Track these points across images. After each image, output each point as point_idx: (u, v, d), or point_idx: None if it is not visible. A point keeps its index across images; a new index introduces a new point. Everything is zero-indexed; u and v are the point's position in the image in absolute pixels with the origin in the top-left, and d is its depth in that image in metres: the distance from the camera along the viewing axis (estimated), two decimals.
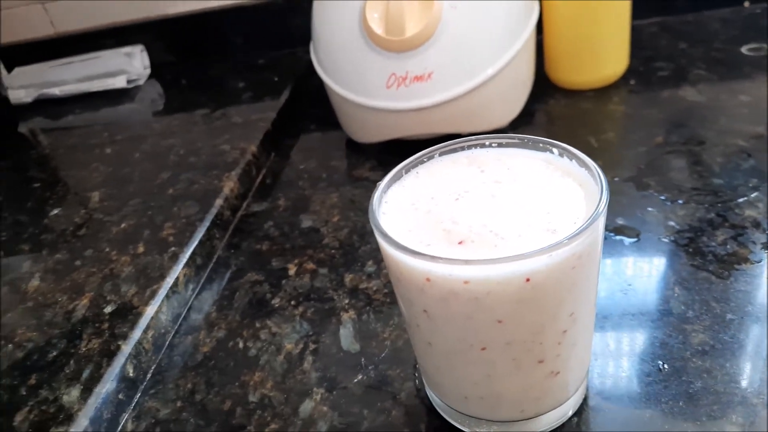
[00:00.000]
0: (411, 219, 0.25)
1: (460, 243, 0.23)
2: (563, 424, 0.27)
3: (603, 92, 0.54)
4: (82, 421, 0.30)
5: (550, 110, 0.53)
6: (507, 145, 0.28)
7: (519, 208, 0.24)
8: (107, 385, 0.31)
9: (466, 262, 0.21)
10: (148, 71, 0.77)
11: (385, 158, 0.51)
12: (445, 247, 0.23)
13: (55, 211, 0.51)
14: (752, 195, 0.38)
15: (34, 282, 0.41)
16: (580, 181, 0.25)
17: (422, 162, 0.28)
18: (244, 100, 0.64)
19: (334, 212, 0.45)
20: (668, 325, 0.30)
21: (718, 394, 0.26)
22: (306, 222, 0.45)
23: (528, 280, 0.21)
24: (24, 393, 0.32)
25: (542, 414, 0.26)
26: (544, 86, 0.56)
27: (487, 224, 0.23)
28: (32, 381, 0.33)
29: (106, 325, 0.35)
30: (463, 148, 0.28)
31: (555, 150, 0.26)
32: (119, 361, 0.33)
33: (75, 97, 0.76)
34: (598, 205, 0.22)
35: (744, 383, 0.27)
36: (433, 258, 0.21)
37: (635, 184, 0.41)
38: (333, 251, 0.41)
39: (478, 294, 0.22)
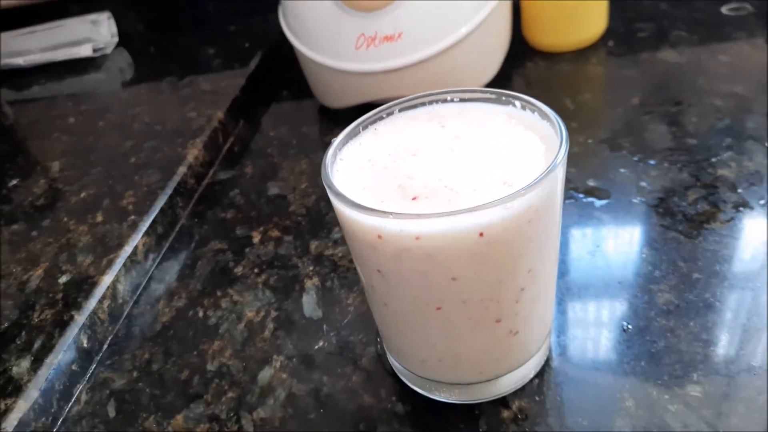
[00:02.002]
0: (366, 176, 0.24)
1: (413, 199, 0.22)
2: (524, 386, 0.26)
3: (581, 54, 0.52)
4: (33, 392, 0.29)
5: (527, 73, 0.52)
6: (469, 100, 0.26)
7: (477, 162, 0.23)
8: (59, 355, 0.30)
9: (418, 216, 0.20)
10: (116, 39, 0.74)
11: None
12: (399, 203, 0.22)
13: (14, 182, 0.49)
14: (725, 154, 0.37)
15: None
16: (542, 135, 0.24)
17: (381, 118, 0.27)
18: (214, 68, 0.62)
19: (303, 179, 0.44)
20: (634, 286, 0.30)
21: (681, 353, 0.26)
22: (273, 189, 0.44)
23: (482, 234, 0.20)
24: None
25: (502, 375, 0.25)
26: (521, 49, 0.54)
27: (443, 179, 0.22)
28: None
29: (60, 296, 0.34)
30: (424, 104, 0.27)
31: (517, 103, 0.25)
32: (72, 331, 0.31)
33: (40, 66, 0.73)
34: (556, 156, 0.21)
35: (707, 341, 0.26)
36: (383, 213, 0.20)
37: (609, 145, 0.40)
38: (299, 218, 0.40)
39: (431, 250, 0.21)
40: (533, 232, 0.21)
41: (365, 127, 0.26)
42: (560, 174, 0.21)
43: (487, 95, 0.26)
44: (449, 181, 0.22)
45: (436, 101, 0.27)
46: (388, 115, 0.27)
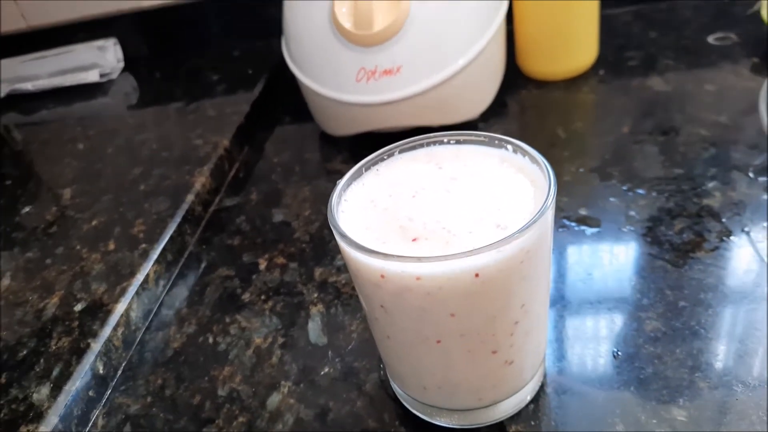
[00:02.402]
0: (369, 216, 0.25)
1: (414, 240, 0.24)
2: (520, 411, 0.27)
3: (573, 82, 0.54)
4: (52, 418, 0.30)
5: (521, 101, 0.54)
6: (465, 142, 0.28)
7: (471, 204, 0.25)
8: (77, 382, 0.32)
9: (418, 259, 0.22)
10: (122, 65, 0.77)
11: (358, 151, 0.51)
12: (400, 243, 0.24)
13: (27, 209, 0.50)
14: (710, 184, 0.39)
15: (5, 281, 0.41)
16: (532, 178, 0.25)
17: (383, 159, 0.28)
18: (218, 93, 0.64)
19: (306, 206, 0.46)
20: (624, 313, 0.31)
21: (668, 379, 0.28)
22: (278, 216, 0.45)
23: (477, 275, 0.22)
24: None
25: (499, 402, 0.27)
26: (515, 77, 0.56)
27: (441, 221, 0.24)
28: (2, 380, 0.33)
29: (76, 323, 0.36)
30: (422, 145, 0.29)
31: (509, 147, 0.27)
32: (89, 358, 0.33)
33: (48, 91, 0.75)
34: (545, 201, 0.23)
35: (693, 369, 0.28)
36: (386, 256, 0.22)
37: (599, 174, 0.42)
38: (303, 245, 0.42)
39: (430, 289, 0.22)
40: (525, 271, 0.23)
41: (368, 168, 0.28)
42: (549, 217, 0.23)
43: (482, 138, 0.28)
44: (447, 223, 0.24)
45: (434, 143, 0.29)
46: (389, 156, 0.28)
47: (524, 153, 0.26)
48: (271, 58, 0.69)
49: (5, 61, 0.78)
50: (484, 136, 0.27)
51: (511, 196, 0.25)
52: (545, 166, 0.24)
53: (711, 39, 0.56)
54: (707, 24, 0.60)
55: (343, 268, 0.38)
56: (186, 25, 0.77)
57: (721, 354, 0.29)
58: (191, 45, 0.78)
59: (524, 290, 0.24)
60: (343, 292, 0.37)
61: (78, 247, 0.43)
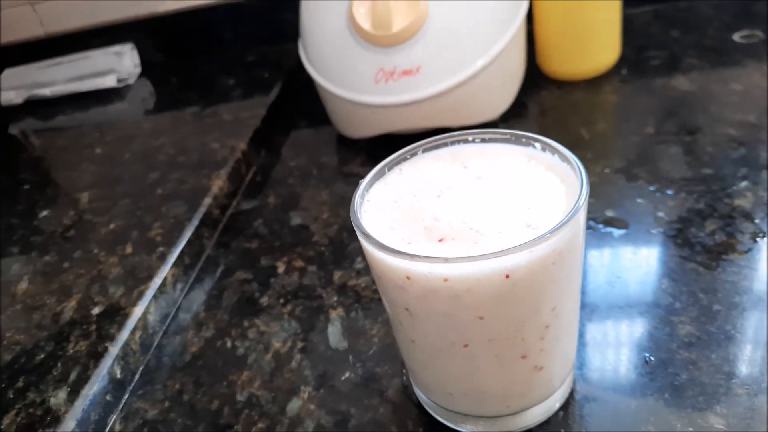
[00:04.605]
0: (393, 217, 0.25)
1: (440, 240, 0.23)
2: (549, 419, 0.26)
3: (595, 82, 0.53)
4: (69, 423, 0.30)
5: (541, 102, 0.53)
6: (490, 141, 0.27)
7: (500, 204, 0.24)
8: (94, 386, 0.31)
9: (446, 259, 0.21)
10: (138, 70, 0.77)
11: (375, 153, 0.51)
12: (426, 244, 0.23)
13: (45, 213, 0.50)
14: (741, 184, 0.37)
15: (23, 284, 0.41)
16: (562, 176, 0.24)
17: (405, 159, 0.28)
18: (234, 97, 0.64)
19: (324, 209, 0.45)
20: (655, 317, 0.30)
21: (704, 385, 0.26)
22: (296, 219, 0.45)
23: (507, 276, 0.21)
24: (11, 396, 0.32)
25: (528, 409, 0.26)
26: (535, 77, 0.55)
27: (468, 221, 0.23)
28: (20, 384, 0.32)
29: (93, 327, 0.35)
30: (446, 144, 0.28)
31: (537, 144, 0.26)
32: (106, 362, 0.33)
33: (65, 97, 0.75)
34: (578, 200, 0.22)
35: (729, 374, 0.27)
36: (412, 257, 0.21)
37: (625, 175, 0.41)
38: (322, 248, 0.41)
39: (458, 291, 0.21)
40: (557, 272, 0.22)
41: (390, 168, 0.27)
42: (582, 217, 0.22)
43: (507, 136, 0.27)
44: (474, 223, 0.23)
45: (458, 141, 0.28)
46: (412, 155, 0.28)
47: (553, 151, 0.25)
48: (286, 62, 0.69)
49: (23, 68, 0.79)
50: (510, 134, 0.27)
51: (540, 195, 0.24)
52: (576, 163, 0.24)
53: (736, 37, 0.55)
54: (730, 22, 0.58)
55: (363, 272, 0.38)
56: (202, 30, 0.78)
57: (759, 359, 0.27)
58: (207, 50, 0.78)
59: (555, 293, 0.23)
60: (363, 296, 0.36)
61: (95, 250, 0.43)
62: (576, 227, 0.22)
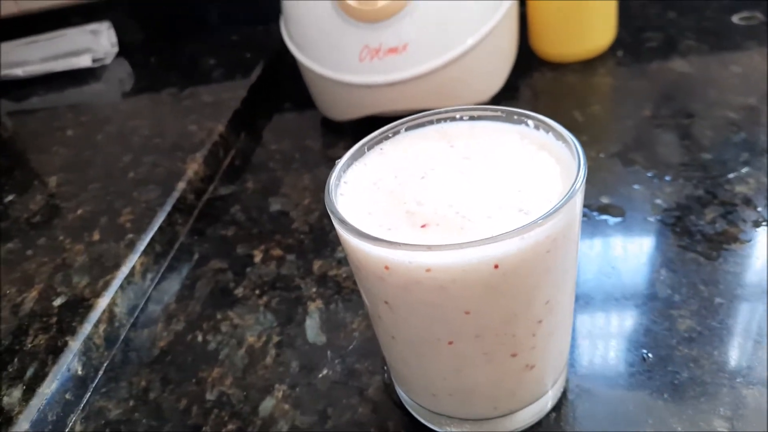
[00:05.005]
0: (372, 200, 0.23)
1: (423, 226, 0.21)
2: (540, 421, 0.25)
3: (589, 65, 0.51)
4: (23, 423, 0.27)
5: (534, 84, 0.51)
6: (479, 118, 0.25)
7: (489, 186, 0.22)
8: (53, 384, 0.29)
9: (429, 247, 0.19)
10: (116, 49, 0.74)
11: (361, 137, 0.48)
12: (408, 231, 0.21)
13: (10, 197, 0.48)
14: (743, 170, 0.36)
15: None
16: (557, 156, 0.22)
17: (387, 137, 0.26)
18: (215, 79, 0.61)
19: (306, 194, 0.43)
20: (653, 311, 0.28)
21: (705, 385, 0.25)
22: (275, 205, 0.43)
23: (497, 266, 0.19)
24: None
25: (517, 410, 0.24)
26: (528, 59, 0.53)
27: (454, 205, 0.21)
28: None
29: (54, 320, 0.33)
30: (432, 122, 0.26)
31: (530, 122, 0.24)
32: (66, 358, 0.30)
33: (39, 77, 0.72)
34: (575, 182, 0.20)
35: (733, 373, 0.25)
36: (391, 244, 0.19)
37: (621, 160, 0.39)
38: (302, 236, 0.39)
39: (443, 282, 0.19)
40: (551, 262, 0.20)
41: (370, 147, 0.25)
42: (579, 201, 0.20)
43: (498, 113, 0.25)
44: (461, 208, 0.21)
45: (445, 119, 0.26)
46: (395, 134, 0.26)
47: (548, 128, 0.23)
48: (270, 43, 0.66)
49: None
50: (501, 111, 0.25)
51: (533, 177, 0.22)
52: (573, 142, 0.21)
53: (735, 19, 0.53)
54: (729, 4, 0.56)
55: (345, 261, 0.36)
56: (183, 9, 0.74)
57: (764, 356, 0.25)
58: (188, 30, 0.75)
59: (549, 284, 0.21)
60: (344, 287, 0.34)
61: (61, 238, 0.40)
62: (572, 212, 0.20)
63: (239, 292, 0.35)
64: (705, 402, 0.24)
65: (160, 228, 0.39)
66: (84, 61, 0.71)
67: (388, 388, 0.27)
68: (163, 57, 0.71)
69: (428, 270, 0.19)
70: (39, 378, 0.29)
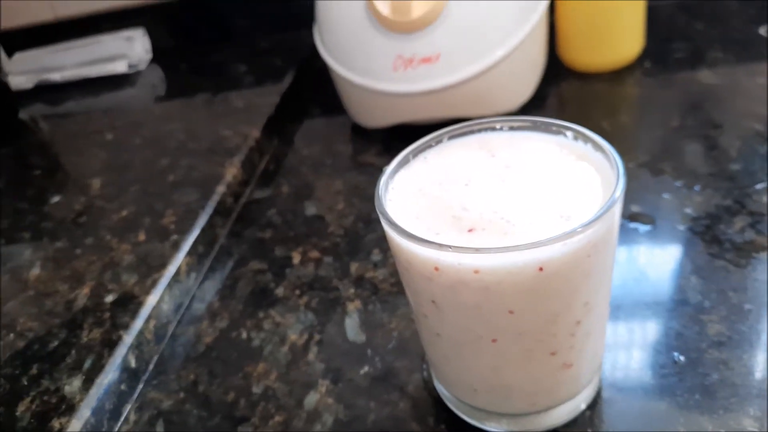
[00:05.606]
0: (419, 205, 0.24)
1: (470, 231, 0.22)
2: (575, 418, 0.26)
3: (617, 75, 0.52)
4: (84, 411, 0.29)
5: (562, 93, 0.52)
6: (519, 128, 0.26)
7: (531, 193, 0.23)
8: (109, 375, 0.31)
9: (477, 250, 0.20)
10: (150, 55, 0.76)
11: (391, 143, 0.50)
12: (455, 234, 0.22)
13: (56, 199, 0.50)
14: None
15: (35, 270, 0.41)
16: (596, 166, 0.24)
17: (431, 146, 0.27)
18: (246, 85, 0.63)
19: (339, 199, 0.44)
20: (684, 316, 0.29)
21: (736, 386, 0.26)
22: (310, 209, 0.44)
23: (541, 269, 0.20)
24: (25, 383, 0.31)
25: (554, 407, 0.25)
26: (556, 69, 0.54)
27: (498, 211, 0.22)
28: (33, 371, 0.32)
29: (107, 315, 0.35)
30: (473, 132, 0.27)
31: (569, 133, 0.25)
32: (121, 351, 0.32)
33: (75, 82, 0.74)
34: (615, 190, 0.21)
35: (762, 375, 0.26)
36: (441, 246, 0.21)
37: (650, 169, 0.40)
38: (338, 239, 0.40)
39: (489, 283, 0.21)
40: (591, 266, 0.21)
41: (415, 156, 0.27)
42: (618, 208, 0.21)
43: (537, 124, 0.26)
44: (505, 213, 0.22)
45: (485, 129, 0.27)
46: (438, 143, 0.27)
47: (586, 139, 0.24)
48: (300, 49, 0.68)
49: (33, 52, 0.78)
50: (540, 122, 0.26)
51: (573, 186, 0.23)
52: (611, 152, 0.23)
53: (762, 30, 0.54)
54: (755, 15, 0.57)
55: (380, 264, 0.37)
56: (214, 16, 0.77)
57: None
58: (219, 36, 0.77)
59: (588, 287, 0.22)
60: (380, 288, 0.35)
61: (107, 237, 0.42)
62: (612, 219, 0.21)
63: (279, 292, 0.37)
64: (735, 403, 0.25)
65: (202, 230, 0.41)
66: (120, 67, 0.73)
67: (427, 386, 0.29)
68: (195, 63, 0.73)
69: (476, 271, 0.20)
70: (96, 369, 0.31)
